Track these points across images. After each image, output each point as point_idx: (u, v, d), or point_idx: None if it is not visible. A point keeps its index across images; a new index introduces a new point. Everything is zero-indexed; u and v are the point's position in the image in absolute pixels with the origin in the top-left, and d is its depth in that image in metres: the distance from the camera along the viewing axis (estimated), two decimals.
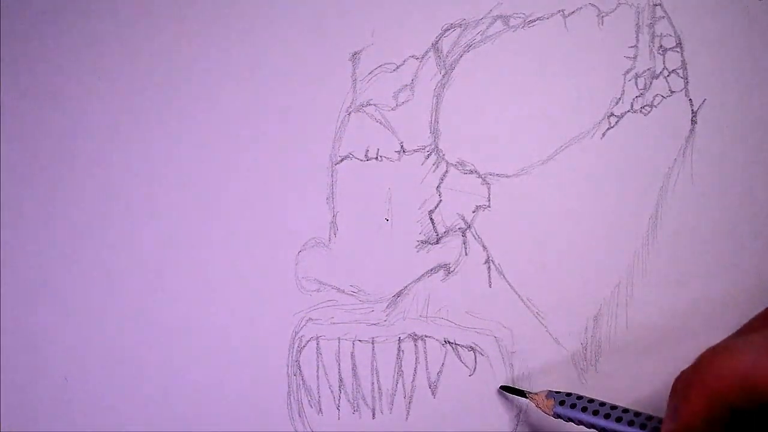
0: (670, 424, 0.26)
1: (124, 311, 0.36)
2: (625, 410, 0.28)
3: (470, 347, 0.34)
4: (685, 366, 0.26)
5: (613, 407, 0.29)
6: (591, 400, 0.29)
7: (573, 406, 0.29)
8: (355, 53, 0.35)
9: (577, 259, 0.33)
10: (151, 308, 0.36)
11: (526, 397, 0.32)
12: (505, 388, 0.33)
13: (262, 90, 0.35)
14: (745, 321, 0.31)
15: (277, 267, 0.35)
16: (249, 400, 0.35)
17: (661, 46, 0.33)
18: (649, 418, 0.28)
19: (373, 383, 0.34)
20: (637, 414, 0.28)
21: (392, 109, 0.34)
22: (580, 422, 0.29)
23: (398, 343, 0.34)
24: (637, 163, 0.33)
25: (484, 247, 0.34)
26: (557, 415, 0.30)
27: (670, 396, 0.28)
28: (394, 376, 0.34)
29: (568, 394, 0.30)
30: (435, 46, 0.34)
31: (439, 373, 0.34)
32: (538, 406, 0.31)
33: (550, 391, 0.31)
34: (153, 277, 0.36)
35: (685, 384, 0.26)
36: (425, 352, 0.34)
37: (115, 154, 0.36)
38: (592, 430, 0.29)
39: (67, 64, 0.36)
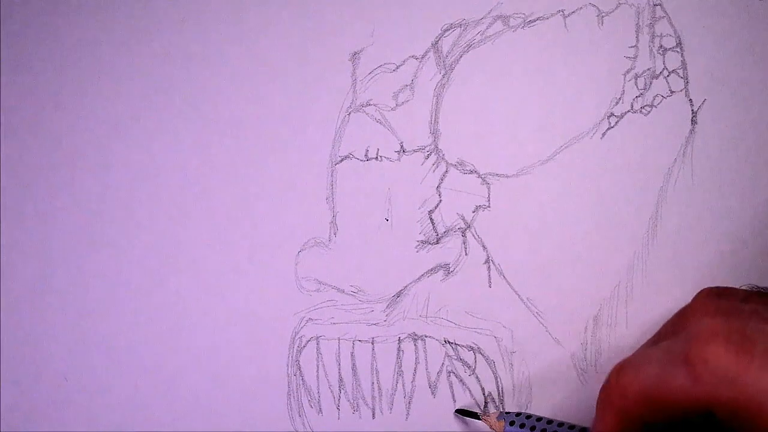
0: None
1: (124, 311, 0.36)
2: (571, 426, 0.30)
3: (470, 347, 0.34)
4: None
5: (560, 424, 0.30)
6: (539, 419, 0.31)
7: (522, 425, 0.31)
8: (355, 53, 0.35)
9: (577, 259, 0.33)
10: (151, 308, 0.36)
11: (480, 419, 0.33)
12: (460, 411, 0.33)
13: (262, 90, 0.35)
14: None
15: (277, 267, 0.35)
16: (249, 400, 0.35)
17: (661, 46, 0.33)
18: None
19: (373, 383, 0.34)
20: (582, 429, 0.29)
21: (392, 109, 0.34)
22: None
23: (398, 343, 0.34)
24: (637, 163, 0.33)
25: (484, 247, 0.34)
26: None
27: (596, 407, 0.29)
28: (394, 376, 0.34)
29: (518, 414, 0.32)
30: (435, 46, 0.34)
31: (439, 373, 0.34)
32: (491, 428, 0.32)
33: (500, 412, 0.32)
34: (153, 277, 0.36)
35: (598, 400, 0.27)
36: (425, 352, 0.34)
37: (115, 154, 0.36)
38: None
39: (67, 64, 0.36)
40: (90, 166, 0.36)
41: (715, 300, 0.28)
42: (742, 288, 0.31)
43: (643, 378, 0.25)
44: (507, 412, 0.32)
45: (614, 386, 0.26)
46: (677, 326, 0.29)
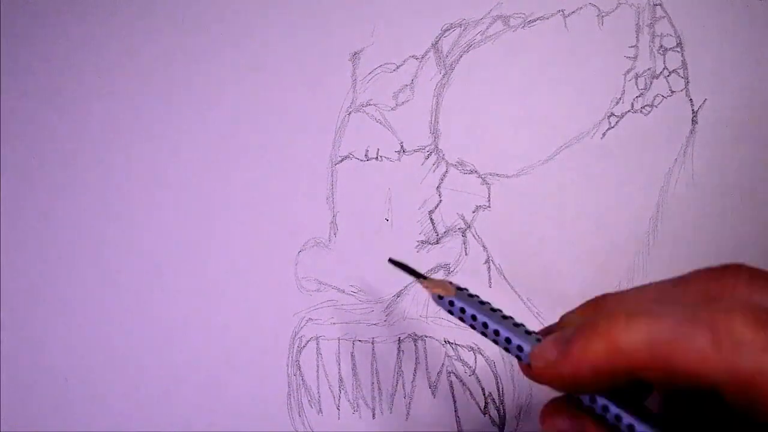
0: (554, 352, 0.24)
1: (124, 311, 0.36)
2: (517, 324, 0.26)
3: (470, 347, 0.34)
4: None
5: (504, 317, 0.27)
6: (483, 302, 0.27)
7: (471, 296, 0.27)
8: (355, 53, 0.35)
9: (577, 259, 0.33)
10: (151, 308, 0.36)
11: (419, 279, 0.28)
12: (393, 262, 0.29)
13: (262, 90, 0.35)
14: None
15: (277, 267, 0.35)
16: (249, 400, 0.35)
17: (661, 46, 0.33)
18: (531, 333, 0.26)
19: (373, 383, 0.34)
20: (528, 330, 0.26)
21: (392, 109, 0.34)
22: (473, 316, 0.27)
23: (398, 343, 0.34)
24: (637, 163, 0.33)
25: (484, 247, 0.34)
26: (450, 303, 0.27)
27: (577, 308, 0.27)
28: (394, 376, 0.34)
29: (467, 290, 0.28)
30: (435, 46, 0.34)
31: (439, 373, 0.34)
32: (432, 291, 0.27)
33: (450, 282, 0.27)
34: (153, 277, 0.36)
35: (591, 322, 0.24)
36: (425, 352, 0.34)
37: (115, 154, 0.36)
38: (474, 330, 0.27)
39: (67, 64, 0.36)
40: (90, 166, 0.36)
41: (746, 273, 0.27)
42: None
43: (654, 328, 0.23)
44: (459, 287, 0.27)
45: (620, 319, 0.23)
46: (701, 292, 0.28)
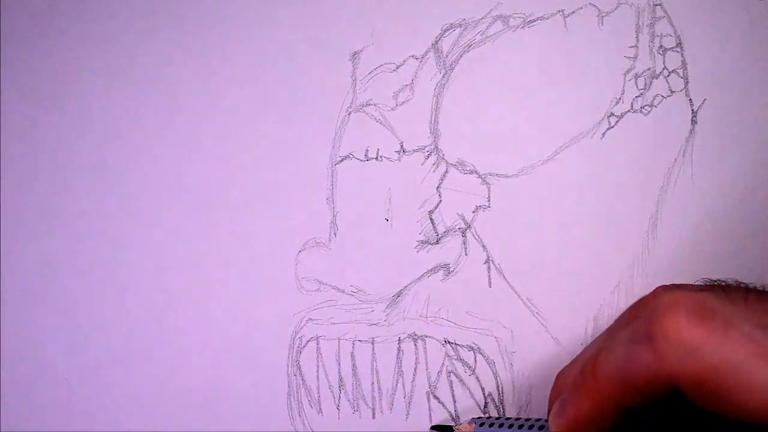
0: (558, 420, 0.27)
1: (124, 311, 0.36)
2: (537, 419, 0.31)
3: (470, 347, 0.34)
4: None
5: (527, 419, 0.31)
6: (508, 418, 0.32)
7: (491, 425, 0.32)
8: (355, 53, 0.35)
9: (577, 259, 0.33)
10: (151, 308, 0.36)
11: (453, 431, 0.33)
12: (435, 428, 0.34)
13: (262, 90, 0.35)
14: None
15: (277, 267, 0.35)
16: (249, 400, 0.35)
17: (661, 46, 0.33)
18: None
19: (373, 383, 0.34)
20: (546, 420, 0.30)
21: (392, 109, 0.34)
22: None
23: (398, 343, 0.34)
24: (637, 163, 0.33)
25: (484, 247, 0.34)
26: None
27: (552, 391, 0.29)
28: (394, 376, 0.34)
29: (488, 417, 0.32)
30: (435, 46, 0.34)
31: (439, 373, 0.34)
32: None
33: (473, 418, 0.33)
34: (153, 277, 0.36)
35: (573, 387, 0.27)
36: (425, 352, 0.34)
37: (115, 155, 0.36)
38: None
39: (67, 64, 0.36)
40: (90, 167, 0.36)
41: (669, 287, 0.29)
42: (698, 283, 0.31)
43: (613, 360, 0.25)
44: (477, 417, 0.33)
45: (588, 373, 0.26)
46: (635, 311, 0.30)
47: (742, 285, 0.27)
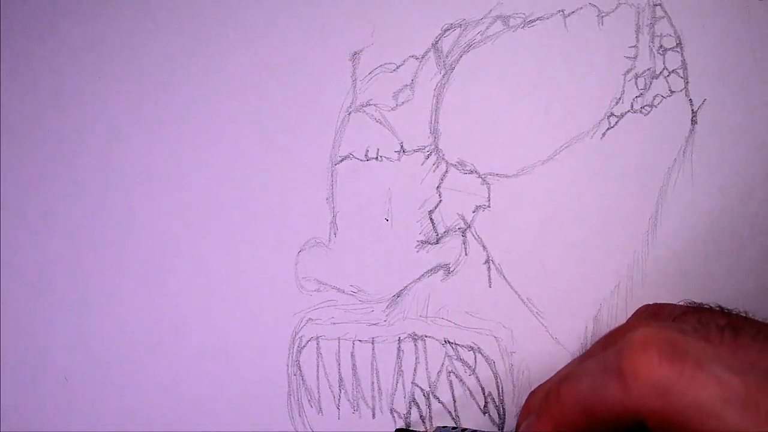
0: None
1: (124, 311, 0.36)
2: None
3: (470, 347, 0.34)
4: None
5: None
6: (474, 431, 0.32)
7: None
8: (355, 53, 0.35)
9: (577, 259, 0.33)
10: (151, 308, 0.36)
11: None
12: (400, 430, 0.34)
13: (262, 90, 0.35)
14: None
15: (277, 267, 0.35)
16: (249, 400, 0.35)
17: (661, 46, 0.33)
18: None
19: (373, 383, 0.34)
20: None
21: (392, 109, 0.34)
22: None
23: (398, 343, 0.34)
24: (637, 163, 0.33)
25: (484, 247, 0.34)
26: None
27: (522, 409, 0.29)
28: (394, 376, 0.34)
29: (454, 428, 0.32)
30: (435, 46, 0.34)
31: (439, 373, 0.34)
32: None
33: (438, 427, 0.32)
34: (153, 277, 0.36)
35: (538, 409, 0.27)
36: (425, 352, 0.34)
37: (115, 154, 0.36)
38: None
39: (67, 64, 0.36)
40: (90, 166, 0.36)
41: (649, 317, 0.29)
42: (680, 304, 0.31)
43: (580, 388, 0.25)
44: (443, 426, 0.33)
45: (553, 397, 0.26)
46: (612, 338, 0.30)
47: (724, 311, 0.27)
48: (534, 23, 0.34)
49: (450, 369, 0.34)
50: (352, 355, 0.34)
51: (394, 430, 0.34)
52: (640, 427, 0.24)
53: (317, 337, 0.34)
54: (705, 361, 0.23)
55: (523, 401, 0.33)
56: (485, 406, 0.34)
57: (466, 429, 0.32)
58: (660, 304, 0.30)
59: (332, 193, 0.35)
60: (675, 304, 0.30)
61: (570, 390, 0.26)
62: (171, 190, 0.36)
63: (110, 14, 0.36)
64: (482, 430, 0.32)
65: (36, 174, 0.36)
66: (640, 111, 0.33)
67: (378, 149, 0.34)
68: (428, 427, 0.33)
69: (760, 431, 0.21)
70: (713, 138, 0.33)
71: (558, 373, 0.31)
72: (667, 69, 0.33)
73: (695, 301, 0.31)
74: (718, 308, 0.28)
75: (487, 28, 0.34)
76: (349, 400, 0.34)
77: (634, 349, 0.24)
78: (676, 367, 0.23)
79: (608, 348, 0.26)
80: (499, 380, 0.34)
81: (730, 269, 0.33)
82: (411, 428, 0.34)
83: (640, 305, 0.33)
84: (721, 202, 0.33)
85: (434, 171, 0.34)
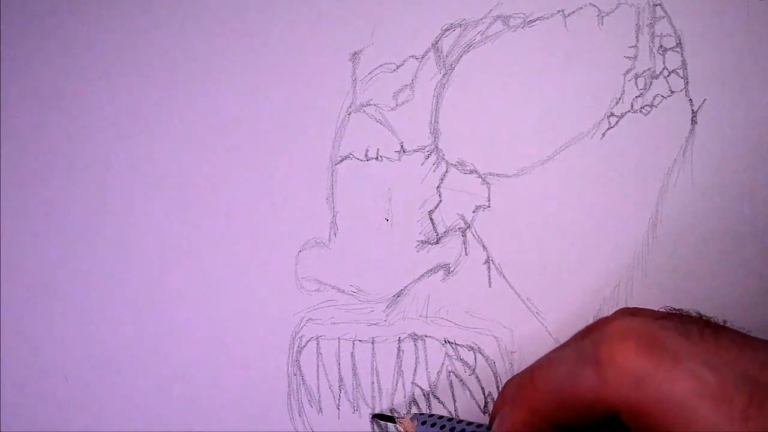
0: (498, 429, 0.27)
1: (124, 311, 0.36)
2: (479, 425, 0.30)
3: (470, 347, 0.34)
4: None
5: (469, 423, 0.30)
6: (450, 419, 0.31)
7: (433, 425, 0.31)
8: (355, 53, 0.35)
9: (577, 259, 0.33)
10: (151, 308, 0.36)
11: (395, 423, 0.33)
12: (377, 416, 0.34)
13: (262, 90, 0.35)
14: (745, 321, 0.31)
15: (277, 267, 0.35)
16: (249, 400, 0.35)
17: (661, 46, 0.33)
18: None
19: (373, 383, 0.34)
20: (489, 427, 0.29)
21: (392, 109, 0.34)
22: None
23: (398, 343, 0.34)
24: (637, 163, 0.33)
25: (484, 247, 0.34)
26: None
27: (497, 398, 0.29)
28: (394, 376, 0.34)
29: (431, 415, 0.32)
30: (435, 46, 0.34)
31: (439, 372, 0.34)
32: (405, 430, 0.32)
33: (414, 414, 0.32)
34: (153, 277, 0.36)
35: (512, 396, 0.27)
36: (425, 352, 0.34)
37: (115, 154, 0.36)
38: None
39: (67, 64, 0.36)
40: (90, 166, 0.36)
41: (628, 312, 0.29)
42: (660, 310, 0.31)
43: (555, 377, 0.25)
44: (421, 413, 0.32)
45: (528, 384, 0.26)
46: (590, 330, 0.30)
47: (703, 318, 0.27)
48: (534, 23, 0.34)
49: (450, 369, 0.34)
50: (352, 355, 0.34)
51: (370, 416, 0.34)
52: (612, 421, 0.24)
53: (317, 337, 0.34)
54: (682, 355, 0.23)
55: None
56: (485, 406, 0.34)
57: (442, 416, 0.32)
58: (638, 308, 0.30)
59: (332, 193, 0.35)
60: (655, 309, 0.31)
61: (545, 376, 0.25)
62: (171, 189, 0.36)
63: (110, 14, 0.36)
64: (459, 418, 0.32)
65: (36, 174, 0.36)
66: (640, 111, 0.33)
67: (378, 149, 0.34)
68: (404, 414, 0.33)
69: (731, 429, 0.21)
70: (713, 138, 0.33)
71: (537, 361, 0.31)
72: (667, 69, 0.33)
73: (674, 307, 0.31)
74: (697, 314, 0.28)
75: (487, 28, 0.34)
76: (349, 400, 0.34)
77: (613, 339, 0.24)
78: (653, 360, 0.23)
79: (586, 338, 0.26)
80: (499, 380, 0.34)
81: (730, 269, 0.33)
82: (387, 413, 0.33)
83: (641, 305, 0.33)
84: (721, 202, 0.33)
85: (434, 171, 0.34)
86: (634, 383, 0.23)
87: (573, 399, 0.24)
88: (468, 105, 0.34)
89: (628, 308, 0.29)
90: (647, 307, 0.28)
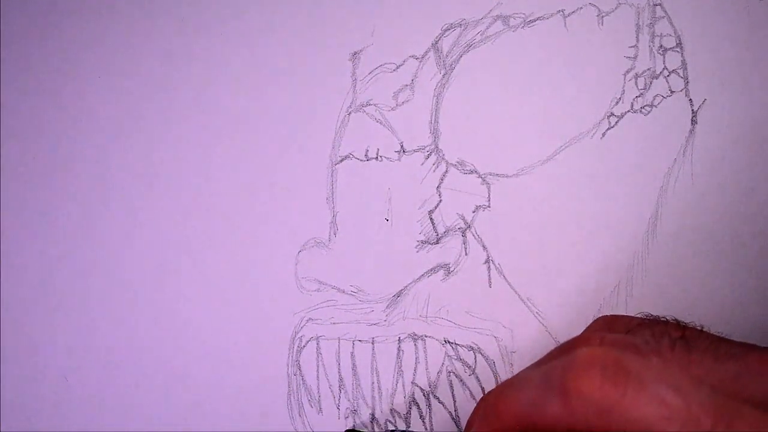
0: None
1: (124, 311, 0.36)
2: None
3: (470, 347, 0.34)
4: None
5: None
6: (393, 431, 0.32)
7: None
8: (355, 53, 0.35)
9: (577, 259, 0.33)
10: (151, 308, 0.36)
11: None
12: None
13: (262, 90, 0.35)
14: (744, 321, 0.31)
15: (277, 267, 0.35)
16: (249, 400, 0.35)
17: (661, 46, 0.33)
18: None
19: (373, 383, 0.34)
20: None
21: (392, 109, 0.34)
22: None
23: (398, 343, 0.34)
24: (637, 163, 0.33)
25: (484, 247, 0.34)
26: None
27: (472, 414, 0.29)
28: (394, 376, 0.34)
29: (403, 431, 0.33)
30: (435, 46, 0.34)
31: (439, 373, 0.34)
32: None
33: (386, 430, 0.33)
34: (153, 277, 0.36)
35: (481, 416, 0.27)
36: (425, 352, 0.34)
37: (115, 154, 0.36)
38: None
39: (66, 63, 0.36)
40: (90, 166, 0.36)
41: (600, 332, 0.29)
42: (636, 316, 0.31)
43: (520, 401, 0.25)
44: (392, 430, 0.33)
45: (493, 405, 0.26)
46: (563, 351, 0.30)
47: (680, 324, 0.27)
48: (534, 23, 0.34)
49: (450, 369, 0.34)
50: (352, 355, 0.34)
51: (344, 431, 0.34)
52: None
53: (317, 337, 0.34)
54: (648, 380, 0.23)
55: None
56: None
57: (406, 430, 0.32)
58: (615, 315, 0.30)
59: (332, 193, 0.35)
60: (631, 316, 0.30)
61: (513, 402, 0.25)
62: (170, 189, 0.36)
63: (110, 14, 0.36)
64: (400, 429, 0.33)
65: (36, 174, 0.36)
66: (640, 111, 0.33)
67: (378, 149, 0.34)
68: (377, 429, 0.33)
69: None
70: (713, 138, 0.33)
71: (510, 380, 0.31)
72: (667, 69, 0.33)
73: (651, 313, 0.31)
74: (673, 321, 0.28)
75: (487, 28, 0.34)
76: (349, 400, 0.34)
77: (578, 369, 0.24)
78: (619, 388, 0.23)
79: (555, 360, 0.26)
80: (499, 380, 0.34)
81: (730, 269, 0.33)
82: (357, 429, 0.34)
83: (641, 305, 0.33)
84: (721, 202, 0.33)
85: (434, 171, 0.34)
86: (601, 413, 0.23)
87: (537, 425, 0.24)
88: (468, 105, 0.34)
89: (605, 317, 0.29)
90: (628, 314, 0.28)
